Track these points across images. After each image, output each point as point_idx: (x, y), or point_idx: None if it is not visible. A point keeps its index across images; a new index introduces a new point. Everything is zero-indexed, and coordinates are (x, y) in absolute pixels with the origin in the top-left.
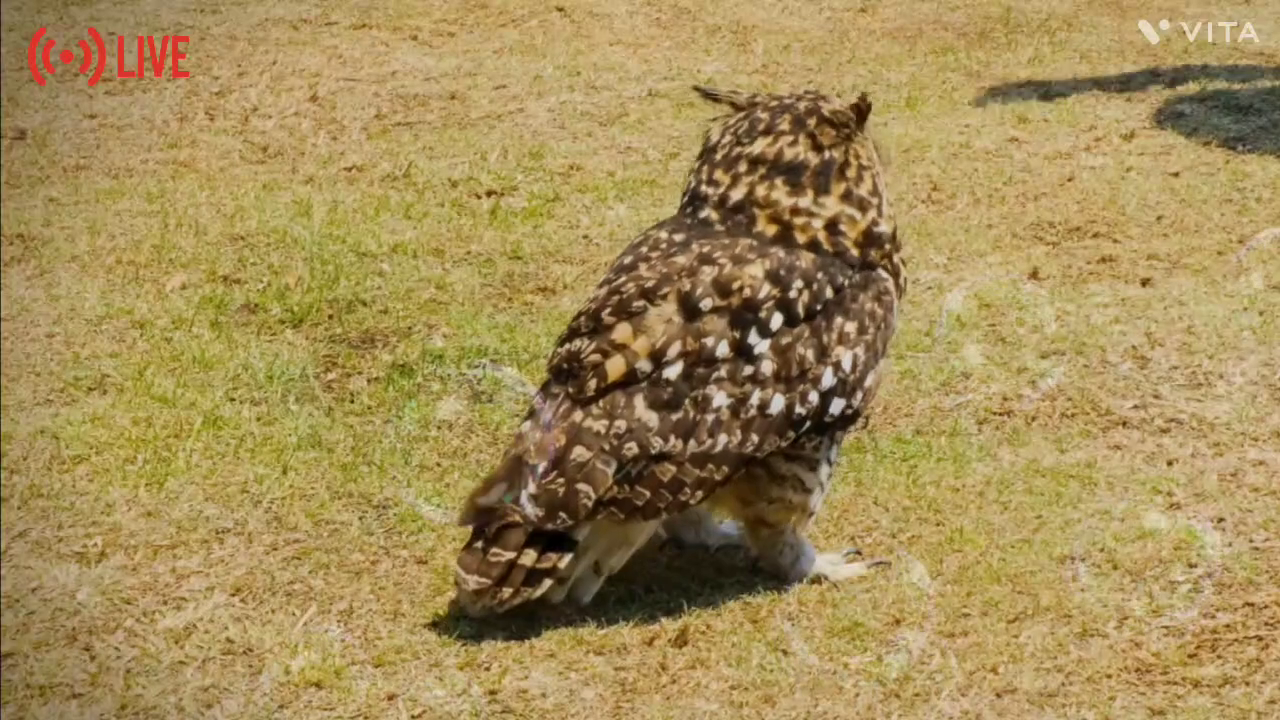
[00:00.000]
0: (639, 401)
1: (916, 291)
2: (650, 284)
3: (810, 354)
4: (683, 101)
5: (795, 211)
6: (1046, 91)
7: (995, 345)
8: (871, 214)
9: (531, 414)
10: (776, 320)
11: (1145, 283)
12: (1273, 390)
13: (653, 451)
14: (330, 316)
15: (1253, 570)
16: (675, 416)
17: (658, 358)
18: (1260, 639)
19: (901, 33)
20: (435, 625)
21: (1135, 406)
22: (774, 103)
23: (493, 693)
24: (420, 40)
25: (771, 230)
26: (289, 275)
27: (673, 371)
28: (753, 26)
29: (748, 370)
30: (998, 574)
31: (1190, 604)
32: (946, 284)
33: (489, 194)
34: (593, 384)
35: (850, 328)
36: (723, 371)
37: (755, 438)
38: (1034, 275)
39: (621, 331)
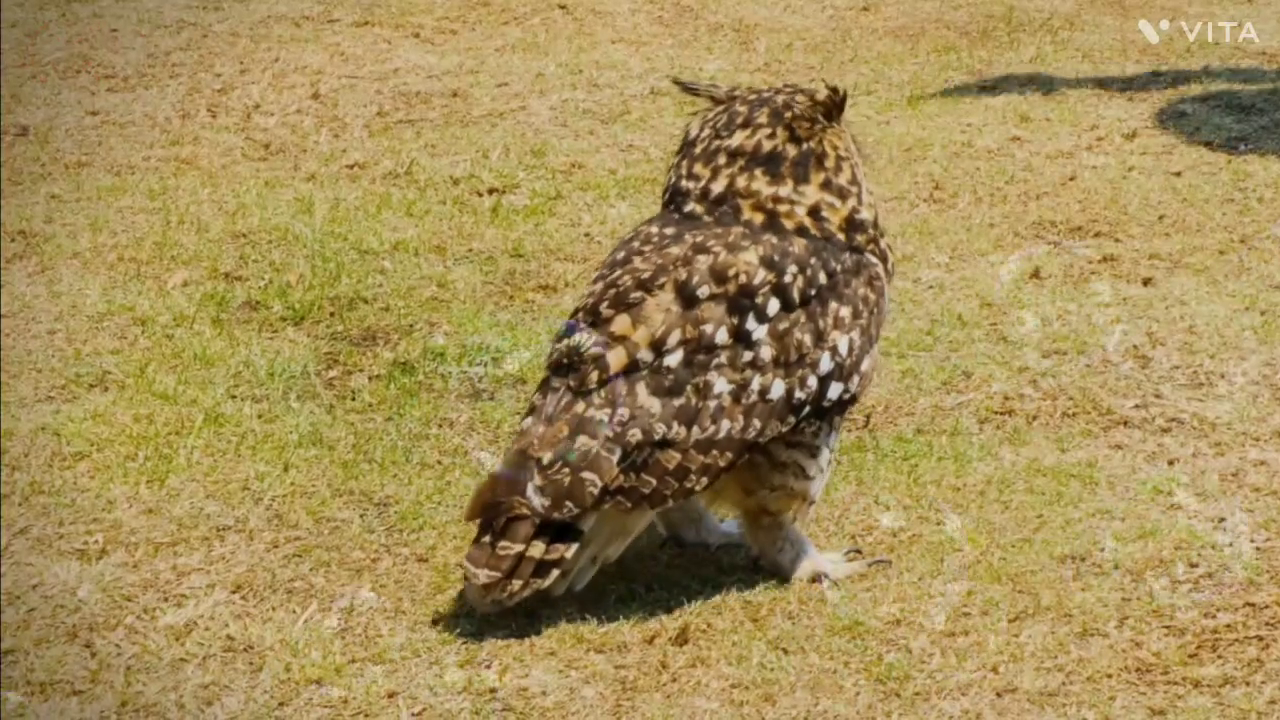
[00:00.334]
0: (641, 389)
1: (918, 290)
2: (646, 275)
3: (807, 339)
4: (684, 99)
5: (777, 200)
6: (1048, 90)
7: (997, 344)
8: (852, 202)
9: (532, 410)
10: (773, 306)
11: (1147, 282)
12: (1274, 390)
13: (656, 438)
14: (332, 314)
15: (1253, 570)
16: (678, 403)
17: (658, 346)
18: (1261, 639)
19: (904, 31)
20: (436, 623)
21: (1136, 406)
22: (752, 96)
23: (493, 690)
24: (422, 38)
25: (759, 218)
26: (290, 273)
27: (674, 359)
28: (755, 25)
29: (747, 356)
30: (998, 573)
31: (1191, 604)
32: (948, 283)
33: (491, 192)
34: (594, 376)
35: (845, 312)
36: (723, 358)
37: (757, 423)
38: (1035, 274)
39: (621, 323)
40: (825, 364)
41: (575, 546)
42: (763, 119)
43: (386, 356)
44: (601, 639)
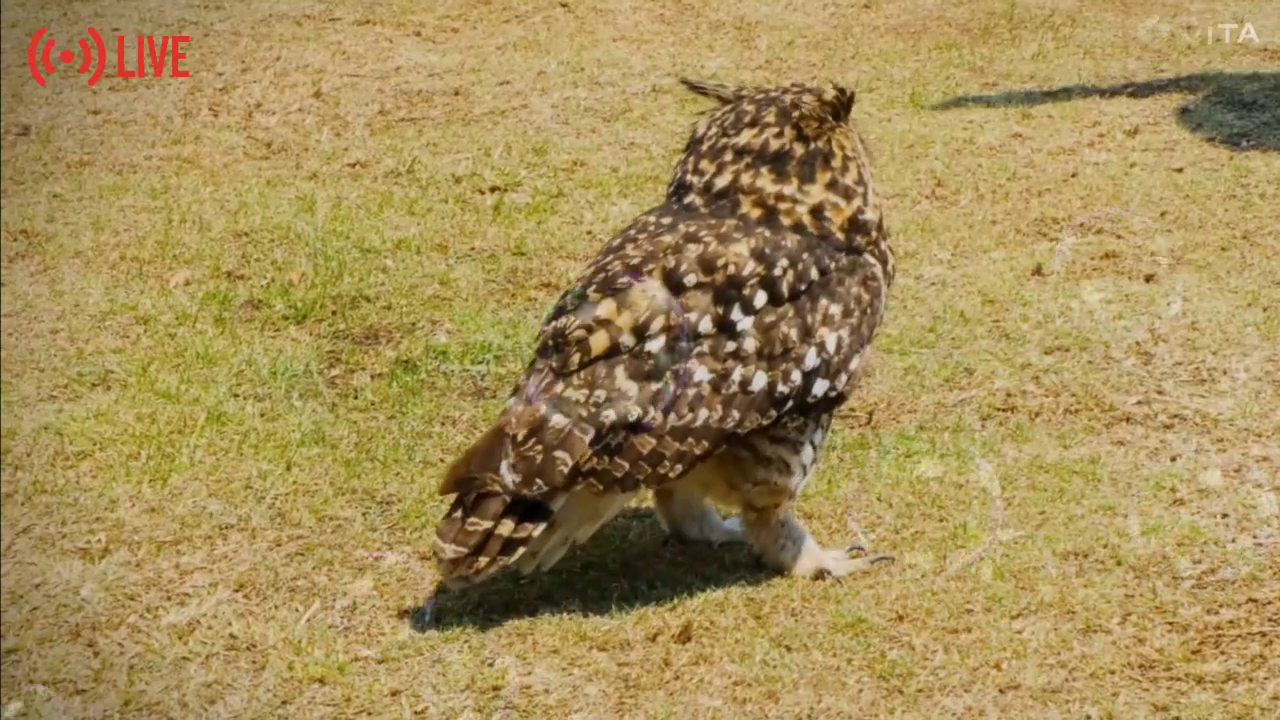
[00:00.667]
0: (619, 372)
1: (920, 287)
2: (635, 261)
3: (794, 333)
4: (686, 97)
5: (780, 198)
6: (1050, 87)
7: (999, 341)
8: (857, 202)
9: (517, 390)
10: (760, 298)
11: (1149, 278)
12: (1276, 386)
13: (630, 420)
14: (334, 312)
15: (1256, 566)
16: (655, 388)
17: (640, 331)
18: (1264, 635)
19: (905, 29)
20: (438, 621)
21: (1139, 402)
22: (760, 95)
23: (496, 688)
24: (424, 36)
25: (756, 213)
26: (293, 271)
27: (655, 345)
28: (756, 22)
29: (730, 346)
30: (1001, 570)
31: (1194, 600)
32: (950, 280)
33: (492, 190)
34: (576, 358)
35: (835, 310)
36: (705, 347)
37: (736, 414)
38: (1037, 271)
39: (606, 307)
40: (811, 360)
41: (543, 526)
42: (770, 118)
43: (389, 355)
44: (604, 637)
